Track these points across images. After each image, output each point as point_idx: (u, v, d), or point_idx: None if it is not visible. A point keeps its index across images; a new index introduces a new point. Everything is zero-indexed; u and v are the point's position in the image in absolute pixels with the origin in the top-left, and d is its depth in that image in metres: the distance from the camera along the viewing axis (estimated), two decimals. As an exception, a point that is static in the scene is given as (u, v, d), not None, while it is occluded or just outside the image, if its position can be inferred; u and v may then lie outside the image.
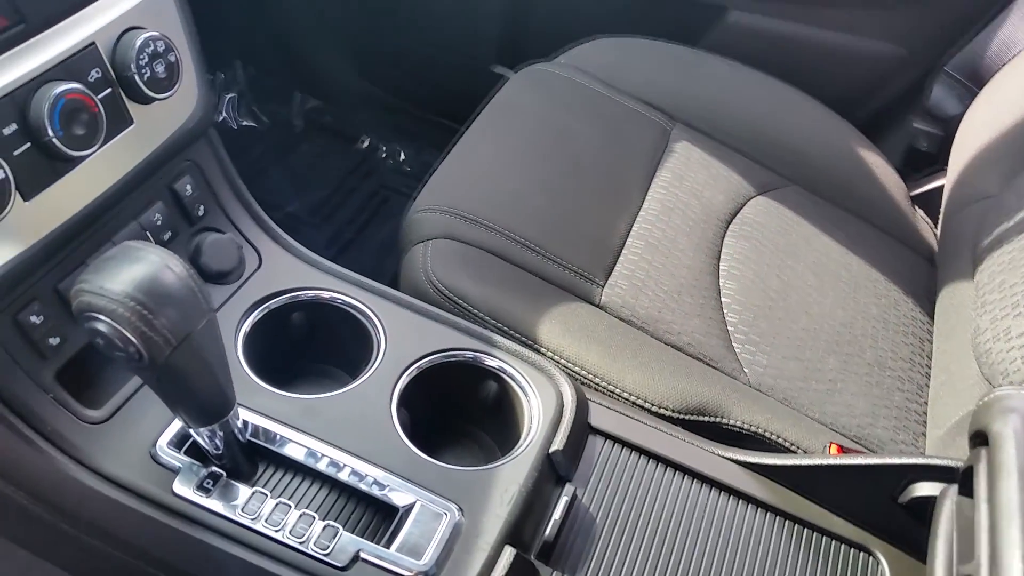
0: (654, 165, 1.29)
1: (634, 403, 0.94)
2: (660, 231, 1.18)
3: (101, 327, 0.60)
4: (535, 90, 1.39)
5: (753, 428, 0.95)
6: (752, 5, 1.58)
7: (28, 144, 0.71)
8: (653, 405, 0.94)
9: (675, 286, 1.11)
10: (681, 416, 0.94)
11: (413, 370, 0.88)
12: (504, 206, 1.16)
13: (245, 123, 2.18)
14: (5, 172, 0.67)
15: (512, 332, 0.99)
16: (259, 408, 0.82)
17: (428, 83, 2.07)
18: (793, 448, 0.96)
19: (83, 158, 0.75)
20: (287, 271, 0.96)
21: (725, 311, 1.12)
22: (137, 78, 0.78)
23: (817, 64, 1.60)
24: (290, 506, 0.75)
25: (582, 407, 0.87)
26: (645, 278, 1.11)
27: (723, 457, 0.87)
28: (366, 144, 2.16)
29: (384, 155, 2.14)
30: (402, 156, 2.13)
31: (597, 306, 1.08)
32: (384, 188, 2.06)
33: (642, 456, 0.86)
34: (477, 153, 1.27)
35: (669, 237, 1.17)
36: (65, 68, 0.73)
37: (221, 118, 2.15)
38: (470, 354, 0.90)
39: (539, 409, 0.86)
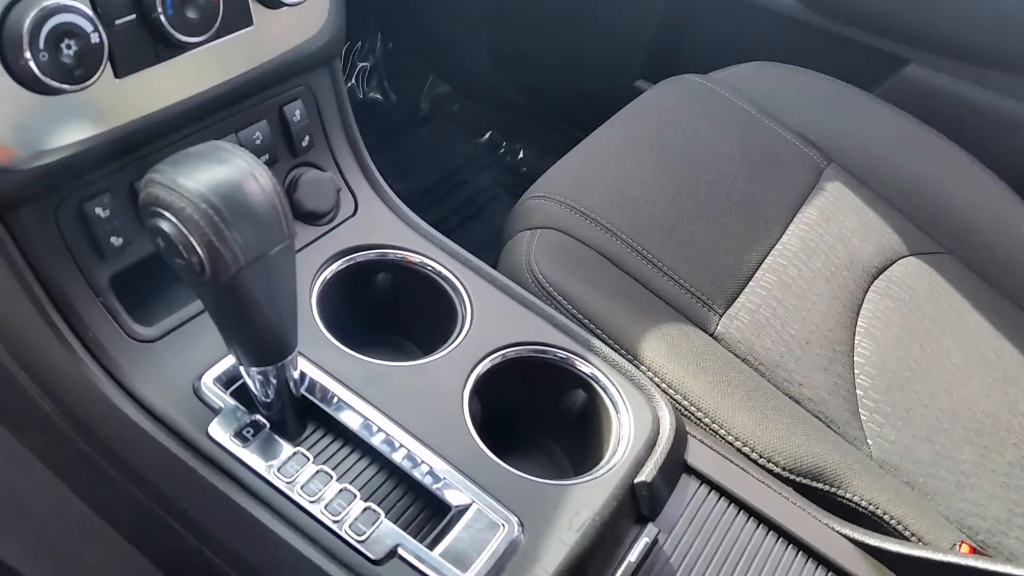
0: (800, 200, 1.16)
1: (739, 449, 0.81)
2: (796, 270, 1.04)
3: (165, 226, 0.51)
4: (682, 99, 1.28)
5: (872, 508, 0.81)
6: (938, 62, 1.43)
7: (133, 16, 0.63)
8: (762, 457, 0.81)
9: (804, 333, 0.97)
10: (792, 477, 0.80)
11: (496, 357, 0.77)
12: (626, 209, 1.05)
13: (372, 96, 2.14)
14: (101, 38, 0.60)
15: (611, 341, 0.87)
16: (321, 363, 0.73)
17: (565, 89, 1.99)
18: (913, 539, 0.81)
19: (190, 46, 0.67)
20: (381, 225, 0.87)
21: (856, 372, 0.97)
22: None
23: (999, 135, 1.43)
24: (331, 477, 0.65)
25: (680, 439, 0.75)
26: (771, 316, 0.98)
27: (839, 532, 0.73)
28: (487, 138, 2.08)
29: (503, 152, 2.06)
30: (521, 155, 2.05)
31: (711, 335, 0.95)
32: (496, 185, 1.98)
33: (742, 511, 0.73)
34: (607, 150, 1.17)
35: (806, 278, 1.04)
36: None
37: (349, 85, 2.11)
38: (562, 353, 0.79)
39: (630, 430, 0.74)
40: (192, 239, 0.51)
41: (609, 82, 1.82)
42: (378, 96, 2.15)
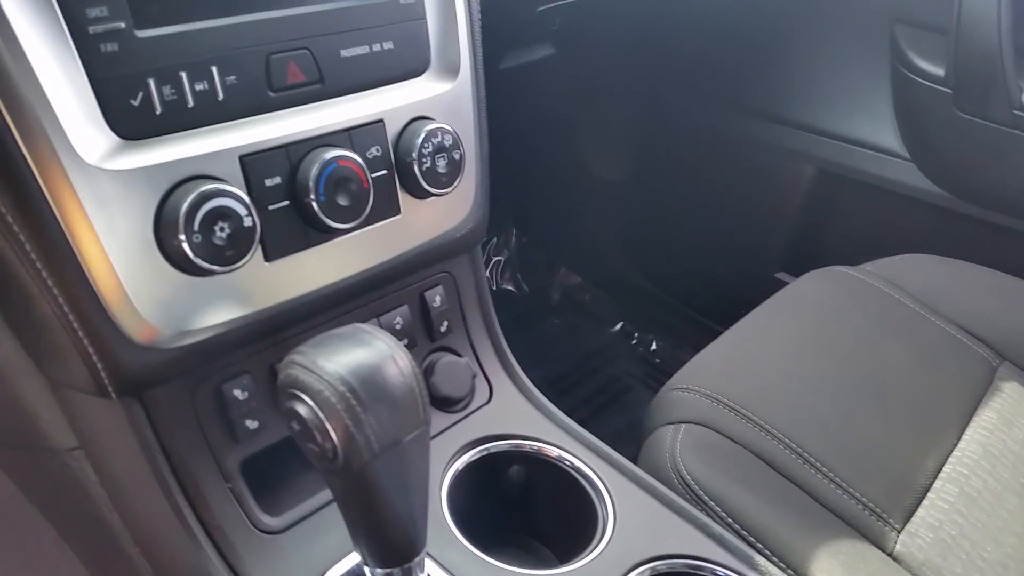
0: (974, 401, 1.04)
1: None
2: (981, 481, 0.91)
3: (301, 409, 0.48)
4: (833, 291, 1.21)
5: None
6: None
7: (287, 202, 0.63)
8: None
9: (1000, 557, 0.83)
10: None
11: (644, 571, 0.68)
12: (780, 406, 0.96)
13: (505, 287, 2.16)
14: (254, 221, 0.59)
15: (775, 559, 0.76)
16: (450, 567, 0.66)
17: (699, 280, 1.95)
18: None
19: (339, 232, 0.67)
20: (516, 414, 0.83)
21: (1068, 608, 0.82)
22: (416, 167, 0.70)
23: None
24: None
25: None
26: (958, 535, 0.85)
27: None
28: (619, 328, 2.05)
29: (636, 342, 2.01)
30: (654, 347, 1.99)
31: (889, 555, 0.83)
32: (629, 375, 1.92)
33: None
34: (755, 342, 1.09)
35: (993, 491, 0.90)
36: (347, 137, 0.67)
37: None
38: (721, 571, 0.70)
39: (805, 671, 0.63)
40: (327, 424, 0.47)
41: (747, 274, 1.77)
42: (511, 288, 2.17)
